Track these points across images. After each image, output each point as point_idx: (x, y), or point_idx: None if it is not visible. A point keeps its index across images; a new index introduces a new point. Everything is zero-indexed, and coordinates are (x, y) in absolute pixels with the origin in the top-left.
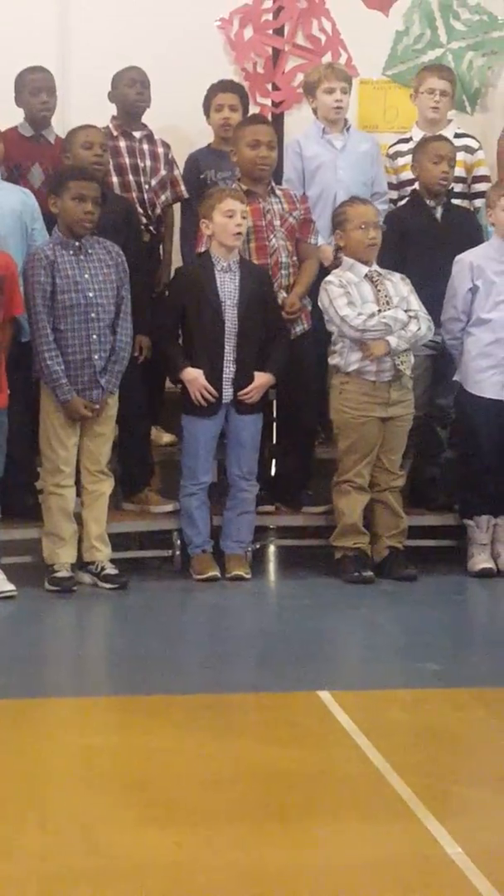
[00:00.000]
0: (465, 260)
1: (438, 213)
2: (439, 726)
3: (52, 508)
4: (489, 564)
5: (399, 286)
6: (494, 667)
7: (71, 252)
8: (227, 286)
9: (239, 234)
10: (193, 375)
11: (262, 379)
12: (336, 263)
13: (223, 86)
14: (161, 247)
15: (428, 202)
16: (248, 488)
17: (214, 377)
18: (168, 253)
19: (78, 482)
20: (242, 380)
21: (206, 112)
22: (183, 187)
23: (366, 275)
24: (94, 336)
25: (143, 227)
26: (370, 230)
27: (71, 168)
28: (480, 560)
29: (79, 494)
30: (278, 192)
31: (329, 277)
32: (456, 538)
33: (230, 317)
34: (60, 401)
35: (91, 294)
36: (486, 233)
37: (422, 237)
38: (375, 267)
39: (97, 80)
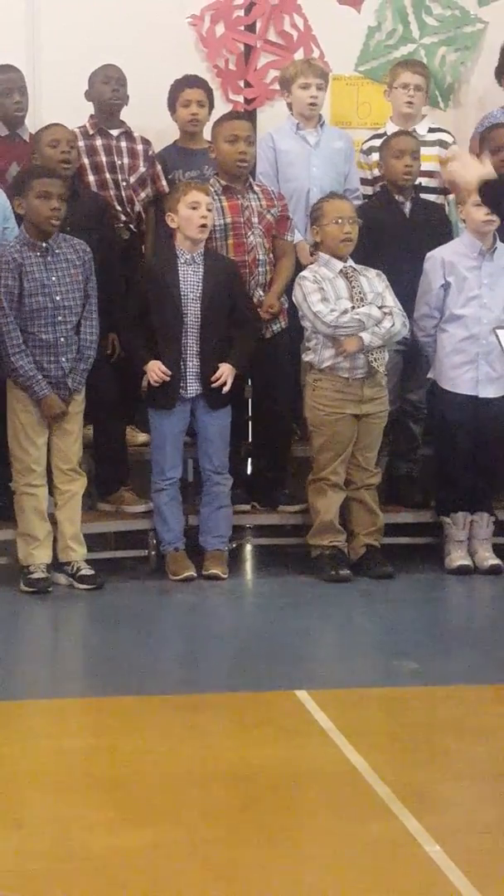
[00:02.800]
0: (437, 256)
1: (407, 208)
2: (417, 724)
3: (25, 509)
4: (466, 561)
5: (374, 282)
6: (471, 665)
7: (38, 254)
8: (190, 279)
9: (204, 225)
10: (153, 363)
11: (223, 370)
12: (313, 260)
13: (189, 81)
14: (143, 244)
15: (396, 197)
16: (222, 482)
17: (178, 371)
18: (150, 250)
19: (50, 482)
20: (208, 374)
21: (172, 108)
22: (164, 182)
23: (340, 270)
24: (62, 339)
25: (122, 224)
26: (345, 225)
27: (34, 167)
28: (457, 557)
29: (52, 495)
30: (256, 188)
31: (303, 273)
32: (433, 535)
33: (192, 310)
34: (39, 397)
35: (59, 297)
36: (457, 228)
37: (390, 232)
38: (351, 263)
39: (68, 78)
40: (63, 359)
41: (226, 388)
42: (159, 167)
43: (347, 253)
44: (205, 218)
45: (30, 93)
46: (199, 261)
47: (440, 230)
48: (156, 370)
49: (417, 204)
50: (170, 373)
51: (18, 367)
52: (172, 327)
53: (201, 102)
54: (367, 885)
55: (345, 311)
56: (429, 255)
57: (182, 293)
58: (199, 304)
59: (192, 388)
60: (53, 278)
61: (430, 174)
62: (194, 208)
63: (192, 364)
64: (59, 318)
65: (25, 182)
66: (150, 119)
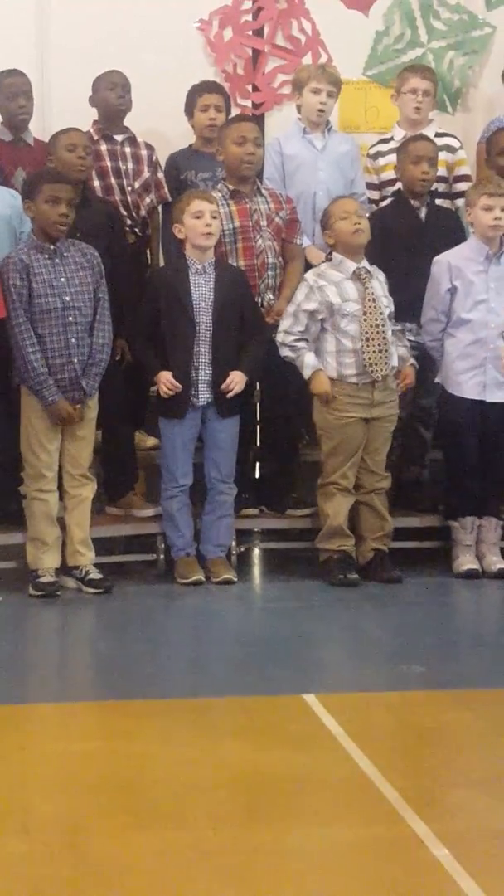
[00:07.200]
0: (444, 261)
1: (422, 213)
2: (425, 729)
3: (35, 513)
4: (474, 566)
5: (386, 286)
6: (480, 668)
7: (46, 256)
8: (202, 288)
9: (209, 233)
10: (163, 374)
11: (234, 378)
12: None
13: (207, 86)
14: (148, 250)
15: (412, 202)
16: (227, 491)
17: (189, 379)
18: (155, 255)
19: (60, 486)
20: (220, 382)
21: (189, 113)
22: (166, 190)
23: (354, 272)
24: (73, 339)
25: (127, 228)
26: (353, 216)
27: (44, 171)
28: (465, 561)
29: (62, 499)
30: (264, 191)
31: (307, 275)
32: (441, 540)
33: (204, 319)
34: (48, 402)
35: (68, 298)
36: (468, 233)
37: (405, 237)
38: (365, 264)
39: (77, 84)
40: (75, 360)
41: (233, 392)
42: (161, 174)
43: (362, 244)
44: (209, 226)
45: (39, 97)
46: (210, 270)
47: (455, 235)
48: (165, 382)
49: (432, 209)
50: (180, 386)
51: (31, 368)
52: (185, 336)
53: (219, 107)
54: (375, 889)
55: (300, 339)
56: (435, 259)
57: (194, 302)
58: (210, 313)
59: (204, 396)
60: (62, 279)
61: (437, 179)
62: (198, 217)
63: (203, 372)
64: (70, 318)
65: (35, 186)
66: (159, 124)
